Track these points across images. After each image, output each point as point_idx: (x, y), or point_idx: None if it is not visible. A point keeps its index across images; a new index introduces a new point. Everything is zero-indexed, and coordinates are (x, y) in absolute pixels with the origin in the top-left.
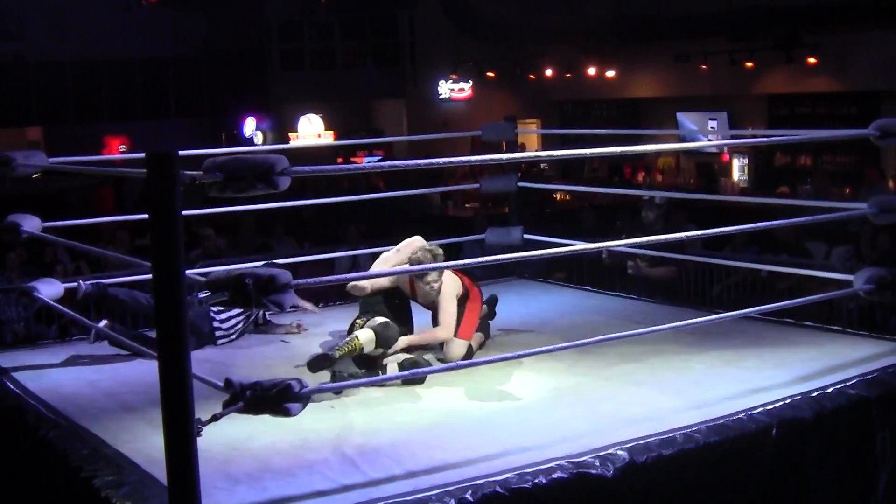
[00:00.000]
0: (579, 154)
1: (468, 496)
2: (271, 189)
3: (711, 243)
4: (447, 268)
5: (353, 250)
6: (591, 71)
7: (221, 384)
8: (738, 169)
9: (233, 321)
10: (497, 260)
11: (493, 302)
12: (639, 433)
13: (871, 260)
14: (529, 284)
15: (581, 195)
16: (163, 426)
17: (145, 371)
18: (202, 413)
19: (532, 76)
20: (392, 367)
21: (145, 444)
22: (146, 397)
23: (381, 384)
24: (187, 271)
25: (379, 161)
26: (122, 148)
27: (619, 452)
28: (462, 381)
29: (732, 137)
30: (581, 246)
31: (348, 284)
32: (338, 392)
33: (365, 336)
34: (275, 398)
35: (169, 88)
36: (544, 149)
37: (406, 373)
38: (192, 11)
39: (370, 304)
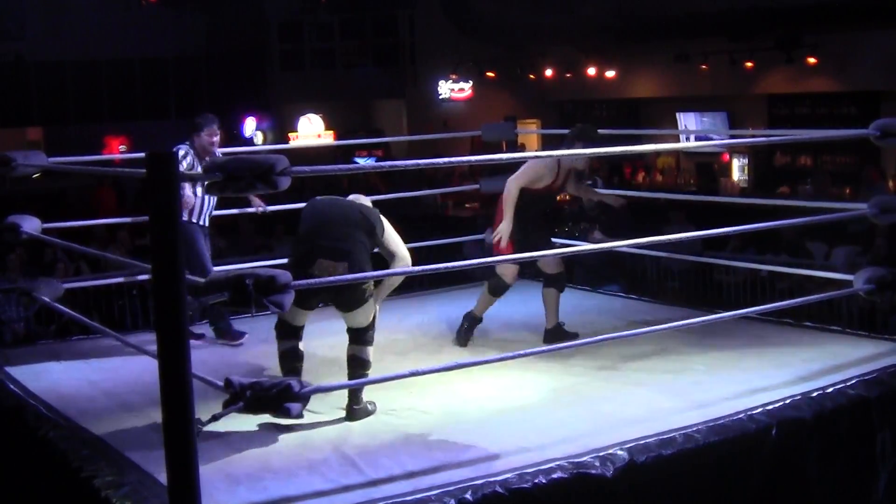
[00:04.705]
0: (579, 154)
1: (468, 496)
2: (271, 189)
3: (711, 243)
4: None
5: None
6: (591, 71)
7: (221, 384)
8: (738, 169)
9: None
10: (497, 261)
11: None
12: (639, 433)
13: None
14: (529, 284)
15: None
16: (163, 426)
17: (145, 371)
18: (202, 413)
19: (532, 76)
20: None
21: (145, 444)
22: (146, 397)
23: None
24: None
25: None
26: (122, 148)
27: (619, 452)
28: (462, 381)
29: (732, 137)
30: (582, 247)
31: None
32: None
33: None
34: (275, 398)
35: (169, 88)
36: (544, 149)
37: (406, 372)
38: (192, 11)
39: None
